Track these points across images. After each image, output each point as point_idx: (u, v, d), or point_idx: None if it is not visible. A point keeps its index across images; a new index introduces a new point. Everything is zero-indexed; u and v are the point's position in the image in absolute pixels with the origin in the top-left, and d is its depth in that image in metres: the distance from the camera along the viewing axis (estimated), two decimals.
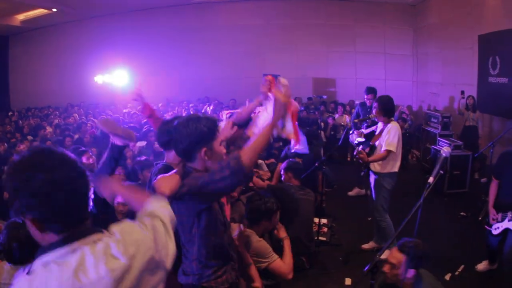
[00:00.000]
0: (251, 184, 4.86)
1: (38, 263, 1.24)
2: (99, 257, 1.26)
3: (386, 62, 13.34)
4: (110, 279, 1.25)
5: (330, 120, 10.15)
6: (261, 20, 13.20)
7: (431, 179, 2.63)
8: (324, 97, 12.48)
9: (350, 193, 7.30)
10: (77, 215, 1.33)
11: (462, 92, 9.18)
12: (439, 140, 8.05)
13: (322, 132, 9.45)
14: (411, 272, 2.78)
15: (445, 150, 2.74)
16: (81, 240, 1.29)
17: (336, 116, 10.47)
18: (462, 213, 6.23)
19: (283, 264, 3.19)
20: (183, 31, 13.40)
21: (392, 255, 2.92)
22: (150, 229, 1.48)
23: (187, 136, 2.18)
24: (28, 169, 1.23)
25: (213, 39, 13.05)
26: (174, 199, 2.13)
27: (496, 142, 6.05)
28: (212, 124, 2.25)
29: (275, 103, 2.28)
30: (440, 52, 11.41)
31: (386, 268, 2.89)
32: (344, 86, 13.46)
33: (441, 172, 2.49)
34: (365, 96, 6.74)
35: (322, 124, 9.96)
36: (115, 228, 1.40)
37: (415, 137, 9.82)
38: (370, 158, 4.73)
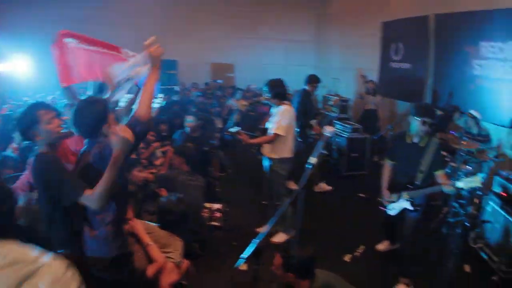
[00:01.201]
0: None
1: None
2: None
3: (288, 48, 13.60)
4: None
5: (227, 105, 9.83)
6: (160, 3, 12.46)
7: (313, 160, 2.43)
8: (219, 81, 12.26)
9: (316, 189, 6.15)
10: None
11: (364, 77, 9.37)
12: (336, 123, 7.88)
13: (219, 117, 9.11)
14: (305, 284, 2.65)
15: (327, 129, 2.56)
16: None
17: (234, 99, 10.15)
18: (360, 194, 6.33)
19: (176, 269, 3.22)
20: (82, 15, 12.17)
21: (276, 258, 2.78)
22: None
23: (95, 113, 2.41)
24: None
25: (110, 22, 11.87)
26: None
27: (396, 125, 6.12)
28: (106, 102, 2.61)
29: (151, 58, 2.64)
30: (343, 38, 11.70)
31: (273, 268, 2.68)
32: (244, 71, 13.44)
33: (323, 152, 2.27)
34: (308, 85, 6.34)
35: (218, 109, 9.65)
36: None
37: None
38: (254, 140, 4.52)
